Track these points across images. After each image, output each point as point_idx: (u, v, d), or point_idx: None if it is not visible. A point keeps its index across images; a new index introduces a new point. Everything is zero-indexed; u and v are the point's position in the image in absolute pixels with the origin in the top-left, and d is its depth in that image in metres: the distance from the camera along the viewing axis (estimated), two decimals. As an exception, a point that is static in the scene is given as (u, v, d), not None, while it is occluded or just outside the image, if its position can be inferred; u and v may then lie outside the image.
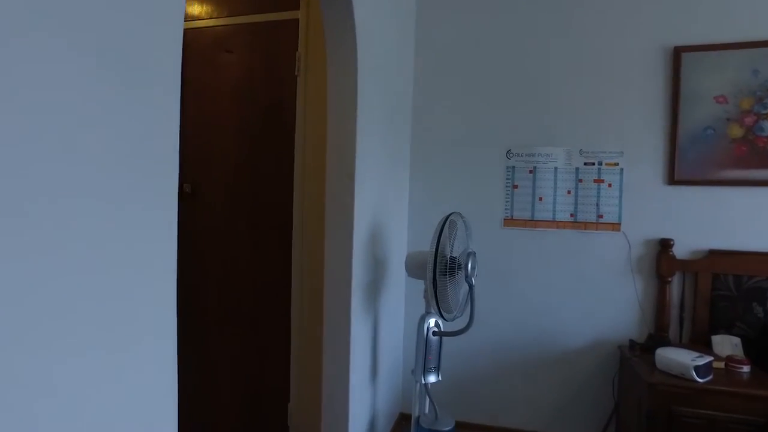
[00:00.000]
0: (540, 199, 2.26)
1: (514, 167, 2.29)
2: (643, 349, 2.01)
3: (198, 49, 2.14)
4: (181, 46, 0.78)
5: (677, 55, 2.05)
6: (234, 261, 2.15)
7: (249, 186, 2.11)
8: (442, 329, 1.84)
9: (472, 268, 1.71)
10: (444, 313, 1.70)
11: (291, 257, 2.06)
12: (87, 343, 0.64)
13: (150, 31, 0.72)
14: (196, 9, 2.12)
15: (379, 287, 2.00)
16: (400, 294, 2.33)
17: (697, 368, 1.64)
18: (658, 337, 2.03)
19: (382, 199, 1.99)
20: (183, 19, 0.76)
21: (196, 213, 2.20)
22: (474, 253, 1.75)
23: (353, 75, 1.64)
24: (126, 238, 0.69)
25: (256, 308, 2.13)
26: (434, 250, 1.67)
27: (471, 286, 1.72)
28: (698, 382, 1.64)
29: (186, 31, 2.12)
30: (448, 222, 1.71)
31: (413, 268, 1.85)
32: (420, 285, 2.02)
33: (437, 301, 1.67)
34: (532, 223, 2.28)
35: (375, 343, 1.98)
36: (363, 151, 1.71)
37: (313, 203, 2.00)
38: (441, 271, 1.68)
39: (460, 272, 1.71)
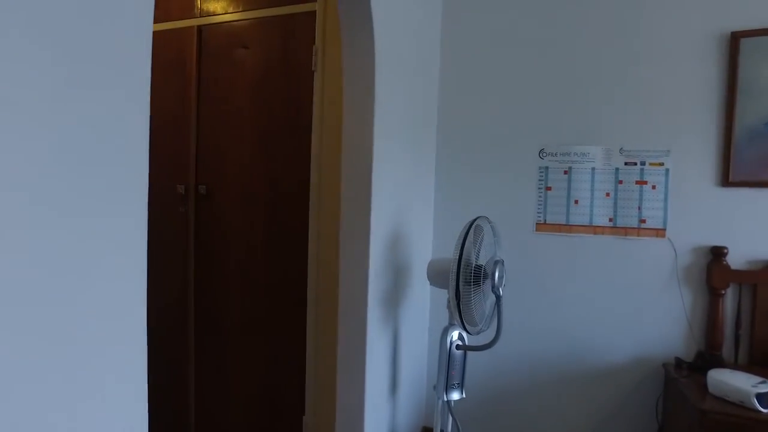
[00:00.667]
0: (576, 202, 2.09)
1: (547, 168, 2.14)
2: (692, 368, 1.82)
3: (213, 45, 2.08)
4: (151, 34, 0.69)
5: (734, 41, 1.85)
6: (249, 265, 2.08)
7: (264, 187, 2.03)
8: (466, 343, 1.70)
9: (500, 277, 1.58)
10: (468, 326, 1.57)
11: (307, 263, 1.97)
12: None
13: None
14: (211, 5, 2.06)
15: (400, 296, 1.88)
16: (424, 304, 2.21)
17: (759, 396, 1.45)
18: (709, 356, 1.84)
19: (404, 202, 1.88)
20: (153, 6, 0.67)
21: (211, 215, 2.14)
22: (502, 261, 1.61)
23: (370, 70, 1.54)
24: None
25: (272, 316, 2.06)
26: (457, 257, 1.55)
27: (498, 297, 1.58)
28: (761, 412, 1.45)
29: (202, 28, 2.07)
30: (473, 227, 1.58)
31: (435, 276, 1.73)
32: (445, 294, 1.89)
33: (460, 313, 1.54)
34: (566, 227, 2.11)
35: (395, 355, 1.87)
36: (381, 151, 1.60)
37: (330, 206, 1.91)
38: (465, 281, 1.55)
39: (486, 282, 1.57)
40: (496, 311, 1.61)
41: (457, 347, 1.69)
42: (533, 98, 2.15)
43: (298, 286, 1.99)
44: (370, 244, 1.58)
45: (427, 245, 2.22)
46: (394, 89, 1.70)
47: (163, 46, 2.18)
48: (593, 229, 2.08)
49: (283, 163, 2.00)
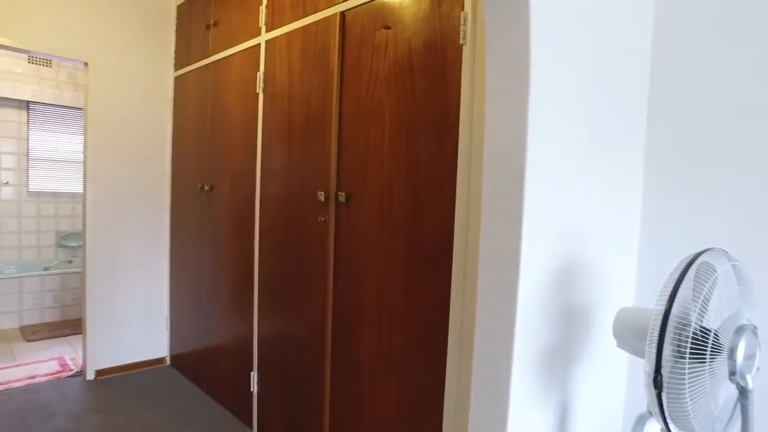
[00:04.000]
0: None
1: None
2: None
3: (356, 31, 1.91)
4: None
5: None
6: (387, 288, 1.84)
7: (405, 193, 1.76)
8: (678, 449, 1.11)
9: (749, 355, 0.97)
10: (675, 427, 1.00)
11: (451, 292, 1.62)
12: None
13: None
14: (353, -14, 1.90)
15: (575, 357, 1.37)
16: (619, 371, 1.60)
17: None
18: None
19: (582, 221, 1.37)
20: None
21: (350, 227, 1.97)
22: (754, 328, 1.00)
23: (522, 37, 1.11)
24: None
25: (409, 352, 1.76)
26: (663, 311, 1.00)
27: (744, 391, 0.97)
28: None
29: (345, 13, 1.94)
30: (695, 265, 1.01)
31: (625, 333, 1.19)
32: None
33: (662, 406, 0.99)
34: None
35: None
36: (541, 150, 1.16)
37: (480, 219, 1.52)
38: (676, 351, 0.99)
39: (718, 359, 0.98)
40: (739, 413, 0.99)
41: (662, 454, 1.11)
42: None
43: (441, 316, 1.65)
44: (520, 276, 1.15)
45: (626, 286, 1.61)
46: (564, 65, 1.23)
47: (309, 42, 2.12)
48: None
49: (426, 164, 1.70)
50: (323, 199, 2.06)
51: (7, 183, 4.63)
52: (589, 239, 1.39)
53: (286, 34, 2.25)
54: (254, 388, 2.57)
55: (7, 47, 2.81)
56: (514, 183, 1.15)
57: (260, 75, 2.42)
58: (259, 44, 2.43)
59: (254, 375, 2.56)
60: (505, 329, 1.17)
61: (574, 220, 1.33)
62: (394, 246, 1.81)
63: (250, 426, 2.62)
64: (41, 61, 4.71)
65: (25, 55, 4.56)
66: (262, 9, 2.41)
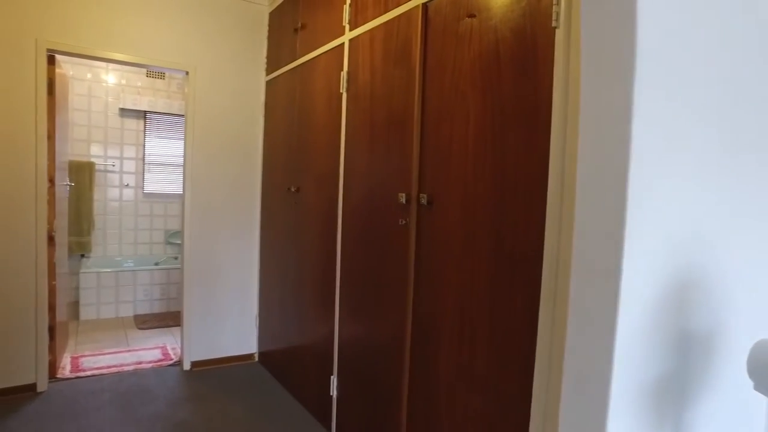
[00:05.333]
0: None
1: None
2: None
3: (439, 22, 1.81)
4: None
5: None
6: (469, 301, 1.70)
7: (492, 196, 1.62)
8: None
9: None
10: None
11: (539, 306, 1.45)
12: None
13: None
14: (437, -27, 1.79)
15: (691, 394, 1.15)
16: (753, 415, 1.32)
17: None
18: None
19: (706, 228, 1.13)
20: None
21: (431, 231, 1.87)
22: None
23: (626, 6, 0.94)
24: None
25: (492, 372, 1.61)
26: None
27: None
28: None
29: (428, 5, 1.86)
30: None
31: (767, 374, 0.95)
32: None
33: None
34: None
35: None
36: (649, 142, 0.97)
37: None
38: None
39: None
40: None
41: None
42: None
43: (529, 332, 1.48)
44: (620, 295, 0.97)
45: (764, 312, 1.33)
46: (680, 36, 1.02)
47: (391, 37, 2.05)
48: None
49: (513, 164, 1.54)
50: (404, 201, 1.97)
51: (127, 185, 5.15)
52: (712, 252, 1.16)
53: (368, 31, 2.21)
54: (334, 392, 2.55)
55: (122, 62, 3.10)
56: (614, 183, 0.98)
57: (344, 74, 2.41)
58: (343, 44, 2.42)
59: (334, 379, 2.54)
60: (601, 357, 1.00)
61: (693, 229, 1.11)
62: (478, 253, 1.67)
63: (329, 430, 2.61)
64: (156, 74, 5.19)
65: (144, 70, 5.05)
66: (346, 8, 2.39)
